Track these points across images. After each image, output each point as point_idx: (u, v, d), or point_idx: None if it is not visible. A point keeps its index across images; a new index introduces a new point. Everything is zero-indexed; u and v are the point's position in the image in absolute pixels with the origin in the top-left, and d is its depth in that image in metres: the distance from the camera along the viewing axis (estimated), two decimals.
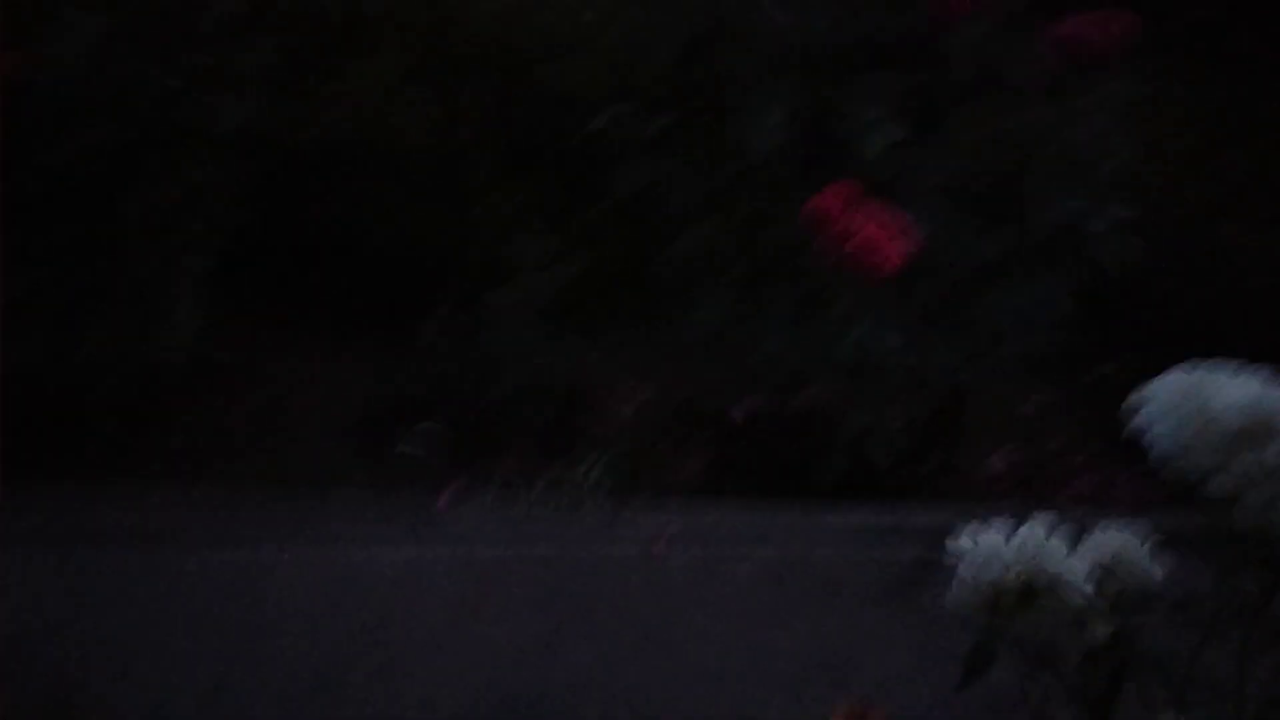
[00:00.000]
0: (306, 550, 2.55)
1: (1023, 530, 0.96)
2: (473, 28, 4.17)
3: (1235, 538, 0.82)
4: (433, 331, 3.23)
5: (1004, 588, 0.92)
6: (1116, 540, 1.00)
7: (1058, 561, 0.95)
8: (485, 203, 3.95)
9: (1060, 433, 3.50)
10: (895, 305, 2.42)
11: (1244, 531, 0.79)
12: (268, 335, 3.68)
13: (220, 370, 3.38)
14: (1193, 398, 0.84)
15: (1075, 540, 0.96)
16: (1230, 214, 4.07)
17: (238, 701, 2.10)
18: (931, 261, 2.40)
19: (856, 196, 2.24)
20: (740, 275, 2.80)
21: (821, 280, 2.49)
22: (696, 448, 2.92)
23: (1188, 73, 4.60)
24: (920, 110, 2.71)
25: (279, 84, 3.40)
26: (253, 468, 2.93)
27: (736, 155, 2.64)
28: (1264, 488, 0.79)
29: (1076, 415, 3.77)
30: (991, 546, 0.96)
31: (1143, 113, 2.65)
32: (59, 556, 2.45)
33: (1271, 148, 4.63)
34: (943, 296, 2.58)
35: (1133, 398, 0.90)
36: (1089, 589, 0.92)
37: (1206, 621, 0.86)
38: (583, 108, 4.28)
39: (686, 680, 2.11)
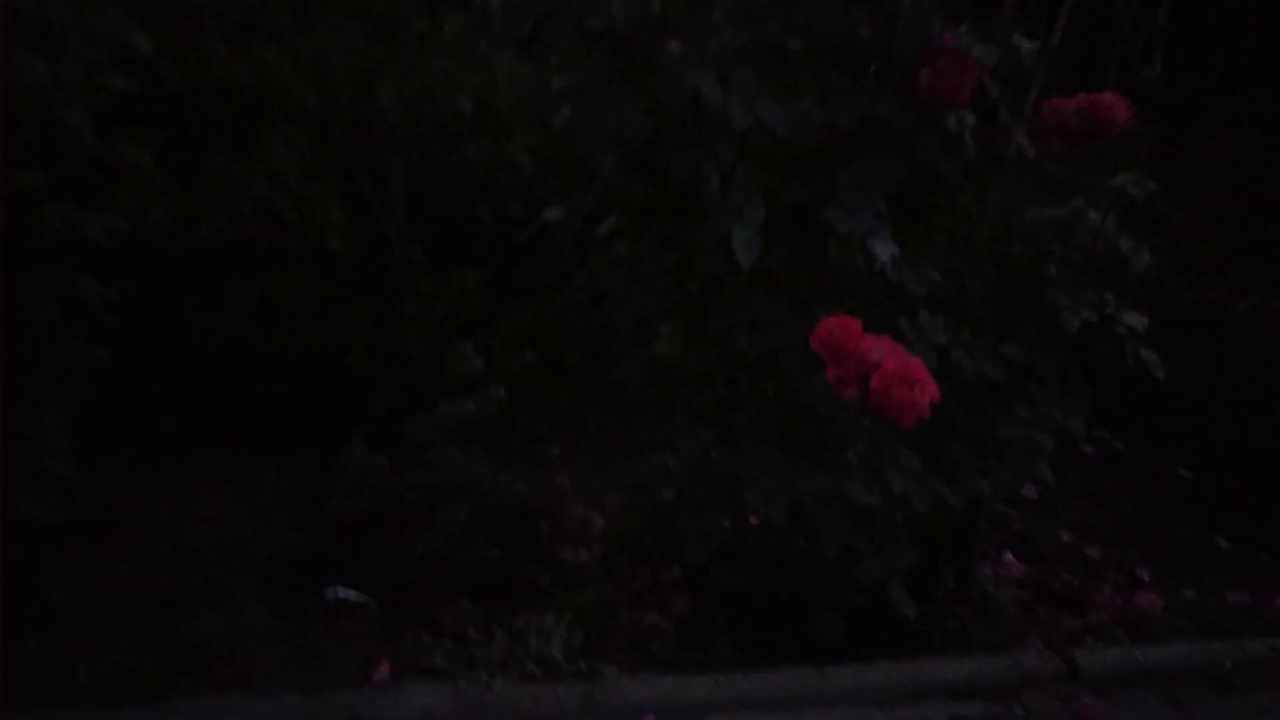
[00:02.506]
0: None
1: None
2: (382, 112, 3.77)
3: None
4: (357, 459, 2.80)
5: None
6: None
7: None
8: (409, 305, 3.54)
9: (1074, 550, 3.27)
10: (908, 442, 2.11)
11: None
12: (160, 475, 3.18)
13: (105, 525, 2.88)
14: None
15: None
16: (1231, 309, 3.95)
17: None
18: (939, 382, 2.09)
19: (860, 328, 1.93)
20: (717, 395, 2.46)
21: (821, 413, 2.17)
22: (677, 593, 2.54)
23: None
24: (911, 206, 2.43)
25: (157, 185, 2.95)
26: (147, 647, 2.43)
27: (706, 259, 2.30)
28: None
29: (1085, 524, 3.57)
30: None
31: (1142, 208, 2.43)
32: None
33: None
34: (952, 425, 2.28)
35: None
36: None
37: None
38: (518, 202, 3.92)
39: None
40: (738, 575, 2.48)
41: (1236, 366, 3.94)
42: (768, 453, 2.24)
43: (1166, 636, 2.68)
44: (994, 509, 3.17)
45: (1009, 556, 3.00)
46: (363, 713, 2.18)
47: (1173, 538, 3.54)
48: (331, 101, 3.86)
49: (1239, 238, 4.56)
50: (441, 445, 2.80)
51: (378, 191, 3.80)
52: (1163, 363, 2.35)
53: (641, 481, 2.94)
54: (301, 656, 2.43)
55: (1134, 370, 2.41)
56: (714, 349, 2.47)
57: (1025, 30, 2.48)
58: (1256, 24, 5.57)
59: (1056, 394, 2.36)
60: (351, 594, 2.60)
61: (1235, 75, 5.87)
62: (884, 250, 2.20)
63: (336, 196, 3.58)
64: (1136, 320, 2.37)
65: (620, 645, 2.42)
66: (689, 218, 2.34)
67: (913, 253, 2.34)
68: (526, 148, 4.07)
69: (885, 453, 2.09)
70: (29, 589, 2.56)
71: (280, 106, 3.71)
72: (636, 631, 2.45)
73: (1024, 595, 2.79)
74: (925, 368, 1.88)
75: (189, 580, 2.70)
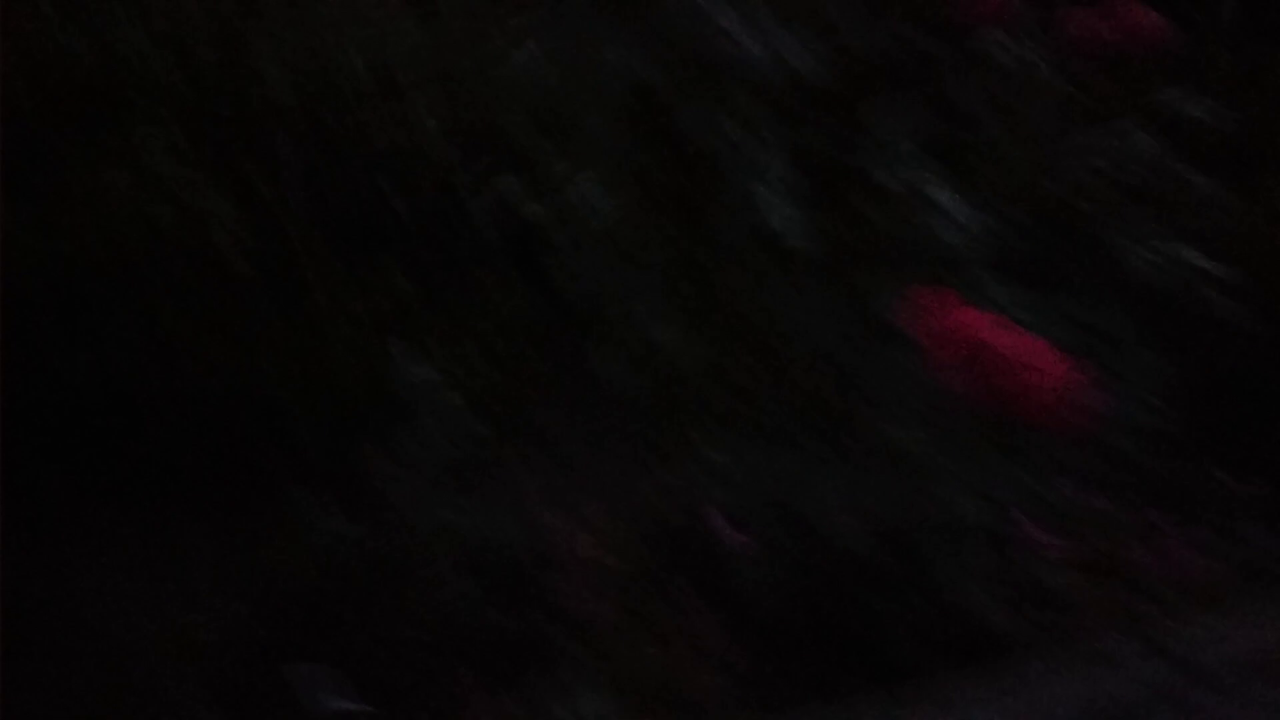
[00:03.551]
0: None
1: None
2: (259, 80, 3.16)
3: None
4: (308, 509, 2.30)
5: None
6: None
7: None
8: (322, 308, 3.00)
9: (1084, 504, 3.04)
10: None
11: None
12: (61, 561, 2.56)
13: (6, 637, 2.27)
14: None
15: None
16: None
17: None
18: None
19: (959, 300, 1.58)
20: (742, 394, 2.07)
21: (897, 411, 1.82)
22: (717, 637, 2.16)
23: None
24: (938, 148, 2.07)
25: None
26: None
27: (723, 230, 1.90)
28: None
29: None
30: None
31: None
32: None
33: None
34: None
35: None
36: None
37: None
38: (428, 176, 3.38)
39: None
40: (788, 607, 2.12)
41: None
42: (838, 465, 1.87)
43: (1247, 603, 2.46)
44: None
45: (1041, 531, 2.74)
46: None
47: (1166, 474, 3.38)
48: (196, 71, 3.24)
49: None
50: (406, 485, 2.33)
51: (266, 176, 3.22)
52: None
53: (641, 503, 2.53)
54: None
55: None
56: (739, 339, 2.07)
57: None
58: None
59: (1131, 357, 2.07)
60: (348, 704, 2.10)
61: None
62: (949, 201, 1.83)
63: (219, 187, 2.99)
64: (1208, 262, 2.09)
65: (665, 709, 2.03)
66: (700, 181, 1.91)
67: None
68: (430, 111, 3.55)
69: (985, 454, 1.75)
70: None
71: (134, 83, 3.08)
72: (679, 689, 2.06)
73: (1077, 577, 2.53)
74: (1050, 347, 1.53)
75: (120, 691, 2.15)
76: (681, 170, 1.94)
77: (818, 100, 1.96)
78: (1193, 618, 2.40)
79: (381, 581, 2.39)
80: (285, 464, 2.52)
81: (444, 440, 2.49)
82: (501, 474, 2.79)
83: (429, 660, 2.17)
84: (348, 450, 2.39)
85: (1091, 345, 2.07)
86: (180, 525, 2.76)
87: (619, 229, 2.15)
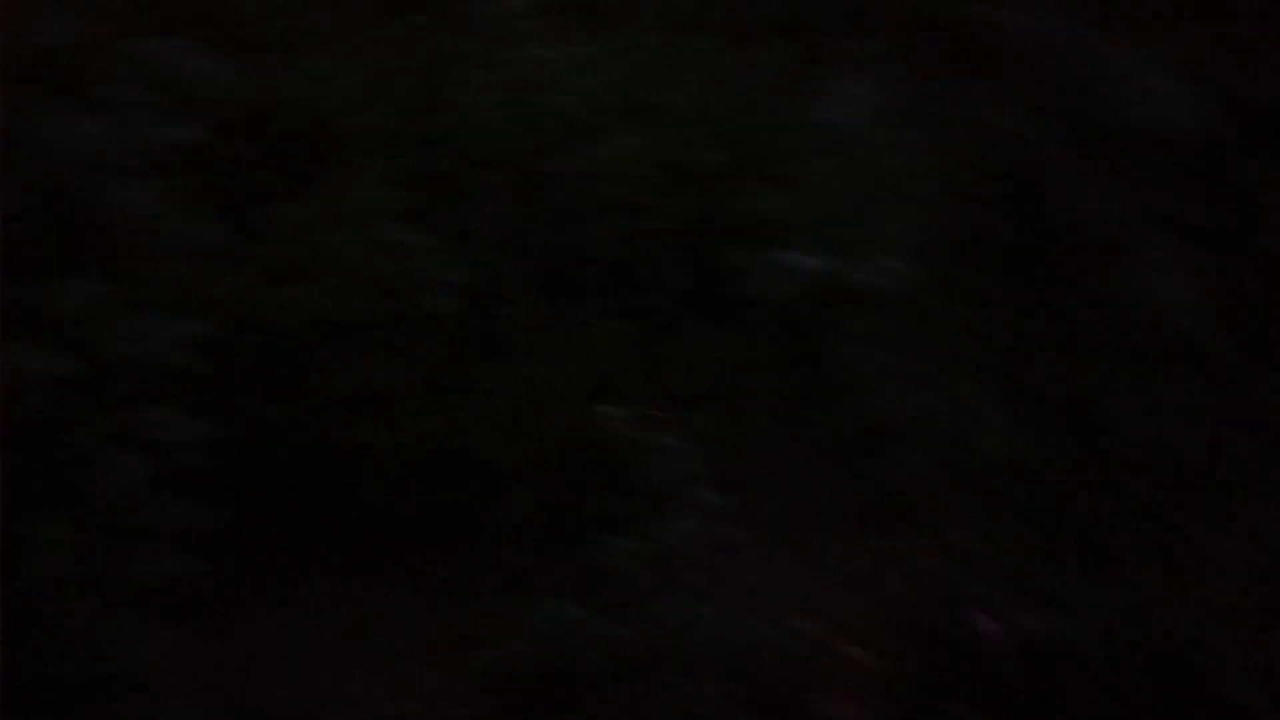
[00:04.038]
0: None
1: None
2: (477, 124, 2.98)
3: None
4: (534, 587, 2.03)
5: None
6: None
7: None
8: (545, 369, 2.76)
9: None
10: None
11: None
12: (267, 598, 2.41)
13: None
14: None
15: None
16: None
17: None
18: None
19: None
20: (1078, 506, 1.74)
21: None
22: None
23: None
24: None
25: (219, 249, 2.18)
26: None
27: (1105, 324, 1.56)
28: None
29: None
30: None
31: None
32: None
33: None
34: None
35: None
36: None
37: None
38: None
39: None
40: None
41: None
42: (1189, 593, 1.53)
43: None
44: None
45: None
46: None
47: None
48: (402, 121, 3.09)
49: None
50: (648, 569, 2.07)
51: (480, 225, 3.04)
52: None
53: (899, 597, 2.20)
54: None
55: None
56: (1068, 432, 1.74)
57: None
58: None
59: None
60: None
61: None
62: None
63: (429, 235, 2.82)
64: None
65: None
66: (1063, 249, 1.60)
67: None
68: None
69: None
70: None
71: (343, 133, 2.94)
72: None
73: None
74: None
75: None
76: (1040, 237, 1.62)
77: (1208, 161, 1.61)
78: None
79: (622, 676, 2.13)
80: (505, 532, 2.29)
81: (683, 517, 2.23)
82: (746, 559, 2.52)
83: None
84: (575, 522, 2.15)
85: None
86: (387, 591, 2.55)
87: (924, 296, 1.86)
